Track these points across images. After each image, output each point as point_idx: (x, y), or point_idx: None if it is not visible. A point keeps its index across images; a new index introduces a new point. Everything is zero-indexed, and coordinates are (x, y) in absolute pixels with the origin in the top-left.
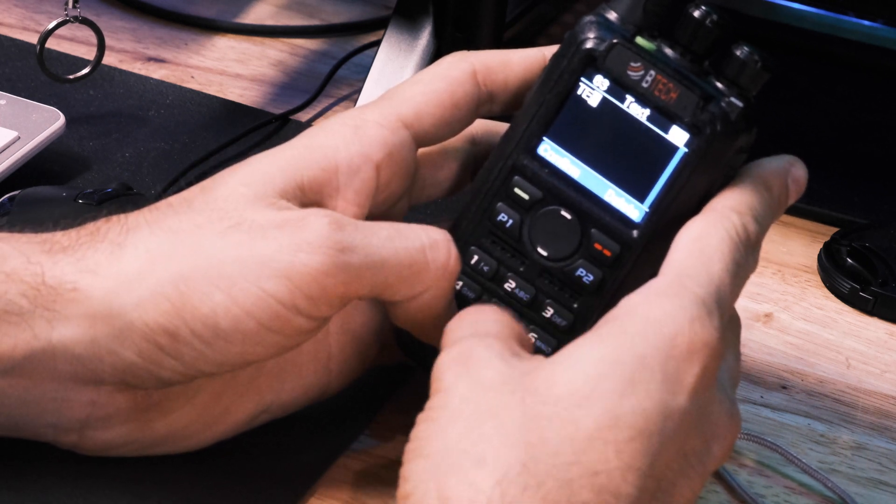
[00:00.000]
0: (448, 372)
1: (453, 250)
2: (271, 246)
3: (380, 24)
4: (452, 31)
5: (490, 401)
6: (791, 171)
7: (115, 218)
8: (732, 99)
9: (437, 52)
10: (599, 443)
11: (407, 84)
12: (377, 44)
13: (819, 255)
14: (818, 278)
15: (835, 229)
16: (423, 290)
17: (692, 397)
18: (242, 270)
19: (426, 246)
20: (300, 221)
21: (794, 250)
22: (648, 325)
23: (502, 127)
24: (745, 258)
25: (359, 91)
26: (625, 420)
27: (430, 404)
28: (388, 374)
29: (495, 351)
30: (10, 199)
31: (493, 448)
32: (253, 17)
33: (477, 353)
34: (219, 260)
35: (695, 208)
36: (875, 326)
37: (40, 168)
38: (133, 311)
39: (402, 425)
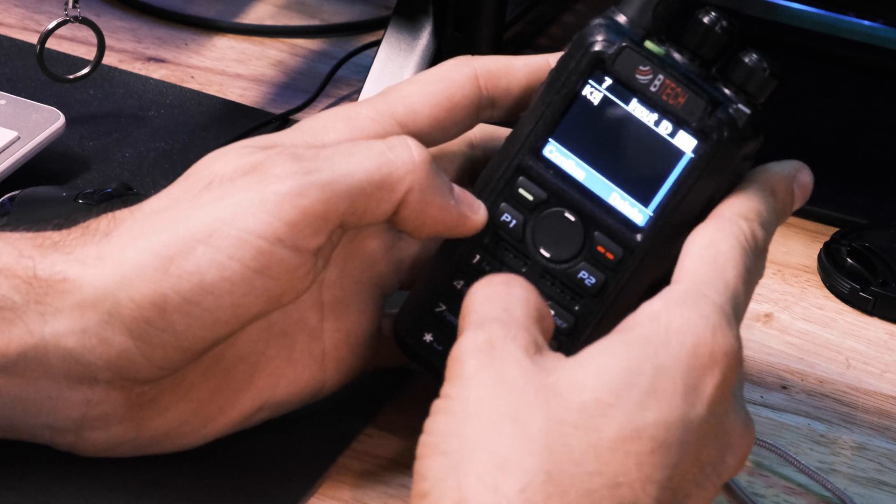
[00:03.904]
0: (471, 360)
1: (413, 143)
2: (242, 190)
3: (380, 24)
4: (452, 31)
5: (512, 401)
6: (797, 177)
7: (105, 215)
8: (740, 105)
9: (437, 52)
10: (621, 454)
11: (405, 83)
12: (377, 44)
13: (819, 255)
14: (818, 278)
15: (835, 229)
16: (405, 189)
17: (710, 407)
18: (220, 218)
19: (385, 148)
20: (266, 160)
21: (794, 250)
22: (671, 334)
23: (501, 131)
24: (754, 264)
25: (359, 91)
26: (647, 432)
27: (447, 391)
28: (388, 375)
29: (520, 345)
30: (10, 199)
31: (516, 452)
32: (253, 17)
33: (502, 346)
34: (196, 219)
35: (699, 214)
36: (875, 326)
37: (40, 168)
38: (119, 289)
39: (402, 425)
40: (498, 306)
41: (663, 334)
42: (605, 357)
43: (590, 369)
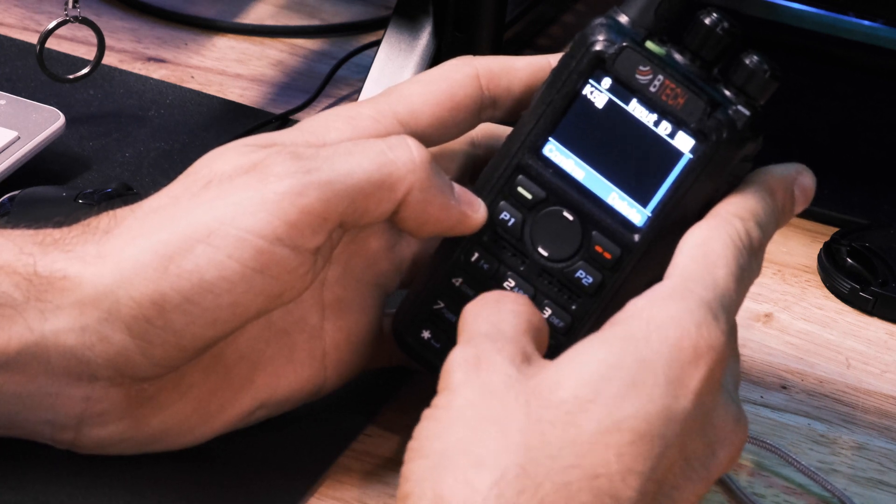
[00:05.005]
0: (458, 371)
1: (413, 143)
2: (241, 189)
3: (380, 24)
4: (452, 31)
5: (494, 407)
6: (798, 180)
7: (106, 213)
8: (740, 107)
9: (437, 52)
10: (600, 446)
11: (406, 83)
12: (377, 44)
13: (819, 255)
14: (818, 278)
15: (835, 229)
16: (405, 189)
17: (696, 401)
18: (219, 217)
19: (385, 147)
20: (266, 159)
21: (794, 250)
22: (653, 328)
23: (502, 129)
24: (748, 264)
25: (359, 91)
26: (626, 424)
27: (436, 402)
28: (388, 374)
29: (506, 356)
30: (10, 199)
31: (493, 450)
32: (253, 17)
33: (488, 357)
34: (195, 218)
35: (697, 214)
36: (875, 326)
37: (40, 168)
38: (118, 288)
39: (402, 425)
40: (488, 321)
41: (646, 329)
42: (585, 355)
43: (570, 368)
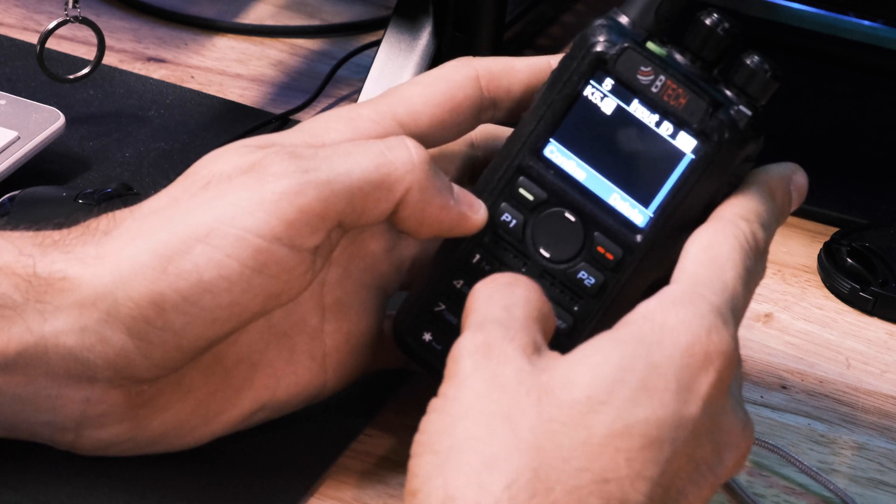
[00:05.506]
0: (467, 359)
1: (412, 144)
2: (240, 188)
3: (380, 24)
4: (452, 31)
5: (505, 401)
6: (793, 179)
7: (105, 214)
8: (741, 107)
9: (437, 52)
10: (611, 450)
11: (406, 84)
12: (377, 44)
13: (819, 255)
14: (818, 278)
15: (835, 229)
16: (403, 190)
17: (705, 406)
18: (218, 217)
19: (384, 148)
20: (264, 159)
21: (794, 250)
22: (665, 333)
23: (501, 130)
24: (755, 265)
25: (359, 91)
26: (637, 428)
27: (444, 391)
28: (388, 375)
29: (518, 345)
30: (10, 199)
31: (505, 451)
32: (253, 17)
33: (499, 347)
34: (194, 218)
35: (699, 215)
36: (875, 326)
37: (40, 168)
38: (117, 289)
39: (402, 425)
40: (499, 306)
41: (657, 333)
42: (597, 355)
43: (582, 367)
